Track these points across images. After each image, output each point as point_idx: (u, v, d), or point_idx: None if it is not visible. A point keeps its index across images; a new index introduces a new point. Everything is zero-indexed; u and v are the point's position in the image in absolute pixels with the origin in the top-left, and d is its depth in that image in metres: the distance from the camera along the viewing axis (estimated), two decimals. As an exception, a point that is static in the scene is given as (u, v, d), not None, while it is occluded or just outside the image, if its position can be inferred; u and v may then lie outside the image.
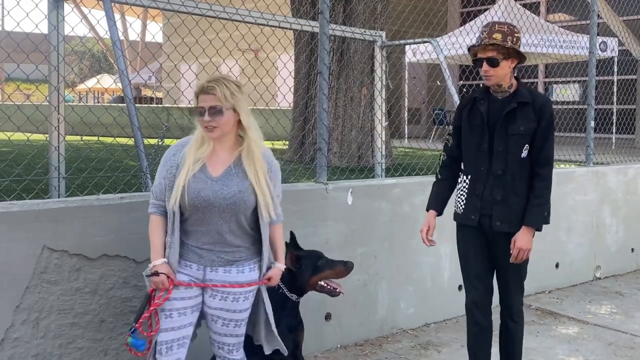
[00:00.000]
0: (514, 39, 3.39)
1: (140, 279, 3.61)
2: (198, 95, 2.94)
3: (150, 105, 19.83)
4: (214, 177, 2.95)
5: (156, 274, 2.92)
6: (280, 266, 3.20)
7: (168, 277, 2.93)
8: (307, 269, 3.54)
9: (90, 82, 30.37)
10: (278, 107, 9.00)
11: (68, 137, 3.88)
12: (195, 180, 2.92)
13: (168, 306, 2.95)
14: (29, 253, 3.30)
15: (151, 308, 2.93)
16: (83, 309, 3.45)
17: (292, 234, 3.59)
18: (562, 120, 7.74)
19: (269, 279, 3.14)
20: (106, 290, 3.52)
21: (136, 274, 3.59)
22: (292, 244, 3.57)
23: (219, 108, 2.89)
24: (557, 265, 6.23)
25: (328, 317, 4.52)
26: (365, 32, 5.68)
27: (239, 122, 2.96)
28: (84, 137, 4.90)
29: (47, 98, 3.84)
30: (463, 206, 3.58)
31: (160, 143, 4.63)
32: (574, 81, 18.43)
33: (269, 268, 3.14)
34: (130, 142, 4.05)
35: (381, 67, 5.65)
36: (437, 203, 3.70)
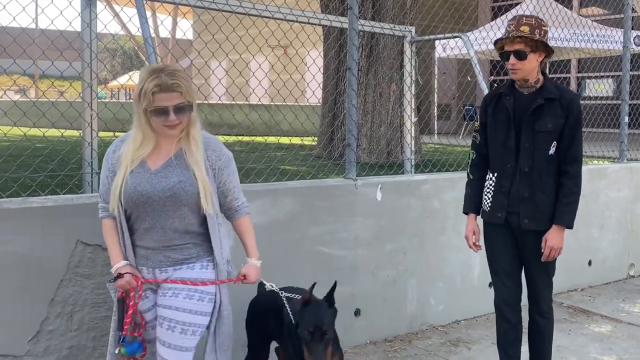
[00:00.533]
0: (542, 32, 3.35)
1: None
2: (154, 94, 2.65)
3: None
4: (153, 171, 2.75)
5: (120, 276, 2.75)
6: (254, 262, 2.97)
7: (134, 276, 2.77)
8: (301, 325, 2.97)
9: (122, 79, 30.75)
10: (307, 104, 9.02)
11: (101, 133, 3.94)
12: (133, 175, 2.73)
13: (146, 318, 2.83)
14: (63, 247, 3.36)
15: (130, 311, 2.76)
16: (116, 302, 3.50)
17: (335, 284, 3.13)
18: (595, 116, 7.61)
19: (244, 277, 2.94)
20: (138, 284, 3.56)
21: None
22: (328, 294, 3.08)
23: (188, 105, 2.70)
24: (589, 263, 6.14)
25: (357, 312, 4.53)
26: (394, 27, 5.66)
27: None
28: (117, 133, 4.97)
29: (81, 95, 3.90)
30: (490, 204, 3.54)
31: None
32: (608, 76, 18.12)
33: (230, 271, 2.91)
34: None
35: (410, 63, 5.63)
36: (475, 205, 3.65)
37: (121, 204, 2.74)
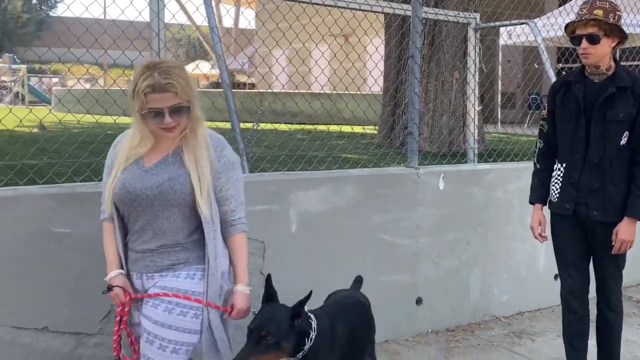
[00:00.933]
0: (616, 17, 3.24)
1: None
2: (147, 94, 2.41)
3: (244, 90, 20.28)
4: (146, 168, 2.53)
5: (111, 288, 2.54)
6: (243, 289, 2.57)
7: (125, 290, 2.54)
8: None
9: (188, 68, 31.30)
10: (370, 92, 8.99)
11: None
12: (125, 172, 2.52)
13: (137, 333, 2.58)
14: (133, 230, 3.47)
15: (116, 329, 2.55)
16: (183, 285, 3.59)
17: (310, 293, 2.66)
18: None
19: (232, 308, 2.54)
20: (204, 267, 3.64)
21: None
22: (296, 304, 2.61)
23: (185, 106, 2.45)
24: (661, 257, 5.92)
25: (419, 301, 4.52)
26: (458, 14, 5.57)
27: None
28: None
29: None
30: (557, 195, 3.47)
31: (255, 127, 4.73)
32: (684, 63, 17.34)
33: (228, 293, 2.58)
34: (224, 125, 4.16)
35: (475, 50, 5.53)
36: (541, 195, 3.59)
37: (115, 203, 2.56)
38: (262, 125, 5.11)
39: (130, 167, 2.54)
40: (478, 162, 5.40)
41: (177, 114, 2.45)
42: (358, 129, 7.74)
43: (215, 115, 5.60)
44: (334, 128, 7.63)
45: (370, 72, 5.80)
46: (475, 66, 5.53)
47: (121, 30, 4.17)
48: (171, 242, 2.52)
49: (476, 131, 5.56)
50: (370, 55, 5.84)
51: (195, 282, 2.51)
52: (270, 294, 2.64)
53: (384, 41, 10.32)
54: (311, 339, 2.59)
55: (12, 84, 25.24)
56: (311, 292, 2.61)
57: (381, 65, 9.95)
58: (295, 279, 3.95)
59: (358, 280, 3.49)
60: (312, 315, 2.65)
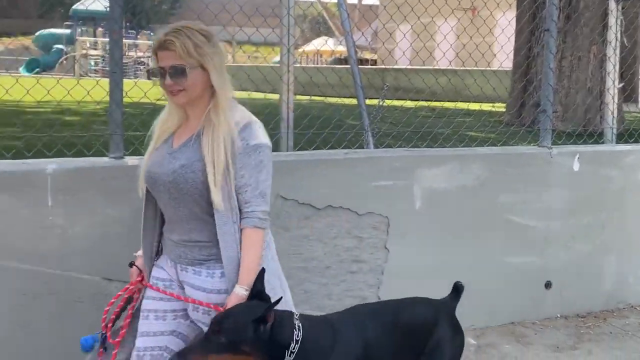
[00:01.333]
0: None
1: (363, 230, 3.77)
2: (157, 52, 2.30)
3: (367, 66, 20.26)
4: (173, 149, 2.35)
5: (131, 264, 2.49)
6: (239, 291, 2.23)
7: (140, 273, 2.47)
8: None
9: (311, 45, 31.70)
10: (500, 68, 8.69)
11: (298, 97, 4.12)
12: (155, 151, 2.38)
13: (147, 305, 2.43)
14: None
15: (114, 299, 2.46)
16: (310, 255, 3.68)
17: (279, 299, 2.18)
18: None
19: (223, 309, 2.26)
20: (330, 238, 3.73)
21: (358, 225, 3.77)
22: (267, 308, 2.13)
23: (180, 67, 2.25)
24: None
25: (548, 285, 4.36)
26: (600, -16, 5.25)
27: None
28: (312, 97, 5.13)
29: (280, 58, 4.10)
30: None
31: (381, 103, 4.73)
32: None
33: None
34: (348, 101, 4.20)
35: (616, 23, 5.20)
36: None
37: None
38: (387, 102, 5.09)
39: (161, 146, 2.39)
40: (617, 142, 5.10)
41: (177, 76, 2.26)
42: (486, 107, 7.53)
43: (342, 91, 5.67)
44: (460, 105, 7.46)
45: (502, 46, 5.61)
46: (616, 40, 5.21)
47: (255, 8, 4.31)
48: (196, 234, 2.33)
49: (616, 110, 5.25)
50: (503, 29, 5.65)
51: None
52: (257, 291, 2.22)
53: (514, 15, 9.93)
54: (292, 352, 2.16)
55: (149, 59, 26.68)
56: (281, 298, 2.18)
57: (511, 41, 9.60)
58: (418, 256, 3.94)
59: (457, 287, 2.73)
60: (298, 325, 2.21)
